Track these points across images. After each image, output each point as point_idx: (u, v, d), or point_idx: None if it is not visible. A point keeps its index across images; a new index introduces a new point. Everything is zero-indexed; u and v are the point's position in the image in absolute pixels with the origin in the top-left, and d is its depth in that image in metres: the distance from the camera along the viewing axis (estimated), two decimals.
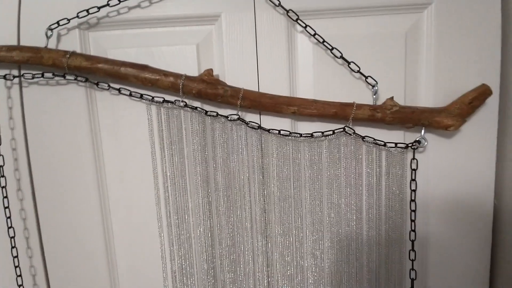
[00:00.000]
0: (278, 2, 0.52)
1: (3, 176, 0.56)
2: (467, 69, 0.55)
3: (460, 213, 0.57)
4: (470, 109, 0.53)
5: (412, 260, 0.57)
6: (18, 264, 0.58)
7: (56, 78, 0.55)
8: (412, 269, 0.57)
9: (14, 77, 0.55)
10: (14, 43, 0.55)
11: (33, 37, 0.55)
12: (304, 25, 0.52)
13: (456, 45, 0.54)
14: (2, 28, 0.55)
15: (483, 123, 0.56)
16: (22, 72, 0.55)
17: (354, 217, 0.56)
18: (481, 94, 0.52)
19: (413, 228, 0.56)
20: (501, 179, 0.58)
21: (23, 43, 0.55)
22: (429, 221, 0.58)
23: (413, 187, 0.56)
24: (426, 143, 0.54)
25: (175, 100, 0.54)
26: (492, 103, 0.55)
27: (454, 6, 0.54)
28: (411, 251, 0.57)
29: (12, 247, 0.57)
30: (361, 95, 0.55)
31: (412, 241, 0.57)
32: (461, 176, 0.57)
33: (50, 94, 0.56)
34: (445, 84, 0.55)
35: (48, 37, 0.53)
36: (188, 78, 0.52)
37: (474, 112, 0.54)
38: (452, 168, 0.57)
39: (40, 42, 0.54)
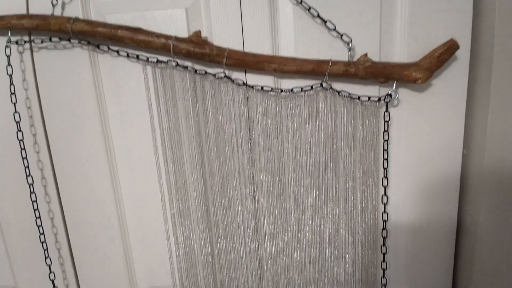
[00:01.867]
0: None
1: (20, 130, 0.64)
2: (439, 26, 0.58)
3: (431, 161, 0.63)
4: (438, 63, 0.57)
5: (384, 204, 0.63)
6: (40, 216, 0.67)
7: (62, 42, 0.61)
8: (384, 211, 0.63)
9: (25, 42, 0.62)
10: (24, 12, 0.61)
11: (40, 7, 0.60)
12: None
13: (429, 3, 0.58)
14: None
15: (454, 77, 0.60)
16: (32, 37, 0.62)
17: (331, 165, 0.62)
18: (448, 49, 0.56)
19: (385, 175, 0.62)
20: (470, 129, 0.62)
21: (32, 12, 0.61)
22: (400, 169, 0.63)
23: (385, 138, 0.61)
24: (397, 96, 0.59)
25: (167, 60, 0.60)
26: (462, 58, 0.59)
27: None
28: (384, 196, 0.63)
29: (31, 192, 0.65)
30: (340, 53, 0.60)
31: (385, 187, 0.63)
32: (433, 127, 0.61)
33: (58, 58, 0.63)
34: (418, 41, 0.59)
35: (54, 6, 0.59)
36: (178, 39, 0.58)
37: (442, 66, 0.58)
38: (424, 121, 0.61)
39: (46, 11, 0.59)
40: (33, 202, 0.66)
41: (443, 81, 0.60)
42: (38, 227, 0.67)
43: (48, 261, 0.68)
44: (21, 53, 0.63)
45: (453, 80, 0.60)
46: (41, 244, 0.68)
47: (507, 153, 0.58)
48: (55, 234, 0.70)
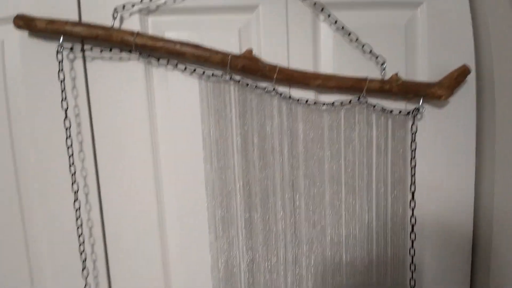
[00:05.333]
0: None
1: (69, 137, 0.65)
2: (452, 54, 0.69)
3: (447, 161, 0.71)
4: (456, 83, 0.67)
5: (412, 209, 0.70)
6: (80, 223, 0.66)
7: (119, 54, 0.65)
8: (412, 215, 0.70)
9: (82, 50, 0.64)
10: (75, 17, 0.64)
11: (92, 15, 0.63)
12: (328, 14, 0.65)
13: (443, 35, 0.69)
14: (61, 3, 0.63)
15: (465, 96, 0.70)
16: (90, 46, 0.64)
17: (366, 172, 0.69)
18: (463, 72, 0.67)
19: (413, 182, 0.69)
20: (481, 140, 0.72)
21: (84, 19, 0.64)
22: (424, 175, 0.71)
23: (413, 147, 0.69)
24: (423, 110, 0.68)
25: (222, 74, 0.65)
26: (470, 81, 0.70)
27: (440, 5, 0.68)
28: (412, 201, 0.70)
29: (75, 200, 0.65)
30: (370, 74, 0.68)
31: (412, 193, 0.70)
32: (450, 135, 0.70)
33: (112, 68, 0.66)
34: (436, 64, 0.69)
35: (114, 18, 0.63)
36: (233, 55, 0.64)
37: (459, 86, 0.68)
38: (443, 131, 0.70)
39: (97, 20, 0.63)
40: (76, 210, 0.65)
41: (457, 100, 0.70)
42: (79, 236, 0.66)
43: (84, 267, 0.67)
44: (71, 60, 0.66)
45: (464, 98, 0.70)
46: (74, 250, 0.67)
47: None
48: (92, 244, 0.69)
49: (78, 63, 0.66)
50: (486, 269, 0.71)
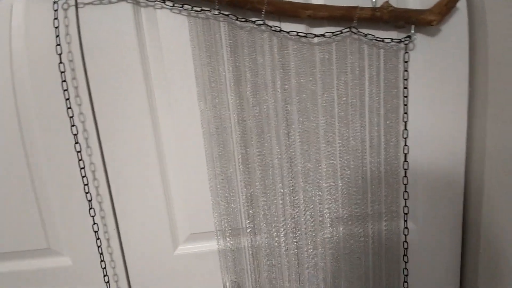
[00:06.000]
0: None
1: (64, 81, 0.66)
2: None
3: (439, 91, 0.71)
4: (447, 10, 0.66)
5: (405, 138, 0.71)
6: (84, 170, 0.68)
7: None
8: (405, 145, 0.71)
9: None
10: None
11: None
12: None
13: None
14: None
15: (456, 25, 0.69)
16: None
17: (359, 104, 0.70)
18: None
19: (405, 111, 0.70)
20: (473, 65, 0.72)
21: None
22: (418, 106, 0.72)
23: (405, 77, 0.69)
24: (415, 38, 0.68)
25: (211, 9, 0.65)
26: (462, 9, 0.69)
27: None
28: (404, 130, 0.71)
29: (76, 143, 0.67)
30: (361, 3, 0.67)
31: (405, 122, 0.71)
32: (443, 64, 0.70)
33: (103, 12, 0.65)
34: None
35: None
36: None
37: (449, 13, 0.67)
38: (435, 60, 0.70)
39: None
40: (77, 152, 0.67)
41: (448, 27, 0.69)
42: (83, 177, 0.68)
43: (92, 212, 0.70)
44: (65, 9, 0.66)
45: (456, 27, 0.69)
46: (80, 198, 0.70)
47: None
48: (97, 187, 0.72)
49: (71, 11, 0.66)
50: (478, 199, 0.74)
